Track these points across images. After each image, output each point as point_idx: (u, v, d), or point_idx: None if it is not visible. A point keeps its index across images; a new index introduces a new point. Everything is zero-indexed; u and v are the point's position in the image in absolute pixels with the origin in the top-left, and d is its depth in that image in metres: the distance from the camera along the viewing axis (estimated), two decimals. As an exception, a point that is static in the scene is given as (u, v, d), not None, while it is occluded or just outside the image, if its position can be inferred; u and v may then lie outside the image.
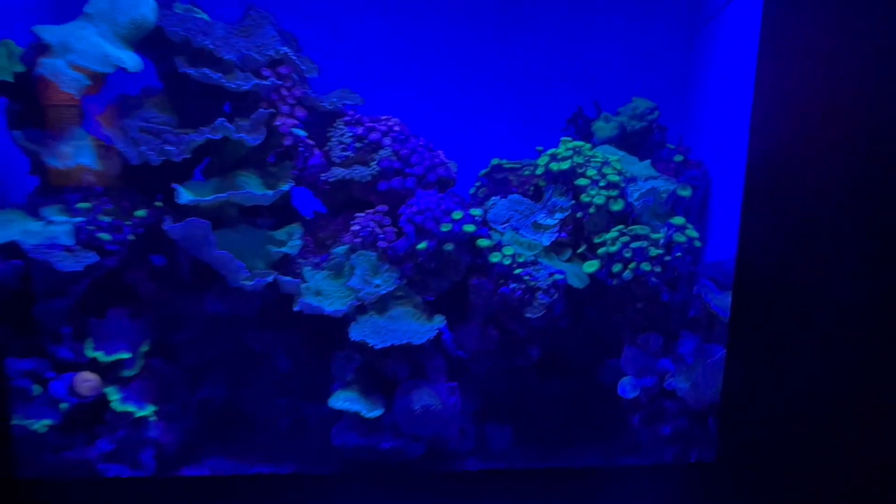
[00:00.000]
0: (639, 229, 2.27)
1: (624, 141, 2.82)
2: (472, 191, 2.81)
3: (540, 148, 2.75)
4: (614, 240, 2.26)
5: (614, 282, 2.27)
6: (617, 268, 2.25)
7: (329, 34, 3.12)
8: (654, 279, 2.25)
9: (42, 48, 2.16)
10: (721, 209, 2.66)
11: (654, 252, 2.25)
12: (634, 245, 2.24)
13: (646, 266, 2.23)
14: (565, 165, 2.42)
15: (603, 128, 2.85)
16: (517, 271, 2.31)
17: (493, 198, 2.59)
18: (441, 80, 3.33)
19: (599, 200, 2.32)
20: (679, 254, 2.29)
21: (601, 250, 2.29)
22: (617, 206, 2.32)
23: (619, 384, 2.32)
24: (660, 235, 2.28)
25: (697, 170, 2.74)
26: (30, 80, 2.17)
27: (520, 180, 2.69)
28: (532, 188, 2.69)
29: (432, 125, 2.75)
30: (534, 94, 3.36)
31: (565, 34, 3.25)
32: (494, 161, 2.82)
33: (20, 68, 2.16)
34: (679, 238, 2.27)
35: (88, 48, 2.19)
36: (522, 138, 3.45)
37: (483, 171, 2.84)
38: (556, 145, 2.96)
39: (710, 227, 2.70)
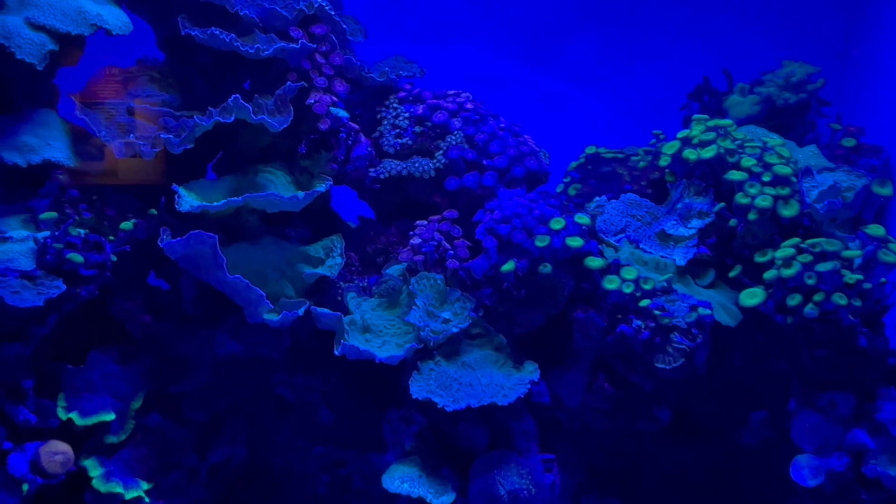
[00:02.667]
0: (826, 244, 1.57)
1: (771, 120, 2.11)
2: (559, 188, 2.16)
3: (659, 132, 2.09)
4: (789, 259, 1.57)
5: (788, 319, 1.58)
6: (794, 300, 1.56)
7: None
8: (849, 317, 1.54)
9: (-8, 1, 1.60)
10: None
11: (849, 278, 1.54)
12: (821, 268, 1.54)
13: (839, 298, 1.53)
14: (708, 153, 1.73)
15: (739, 103, 2.15)
16: (643, 303, 1.65)
17: (598, 198, 1.94)
18: (508, 42, 2.67)
19: (764, 203, 1.62)
20: (884, 280, 1.59)
21: (769, 274, 1.60)
22: (790, 211, 1.63)
23: (792, 464, 1.64)
24: (855, 253, 1.58)
25: (876, 157, 2.01)
26: (-23, 46, 1.61)
27: (632, 174, 2.01)
28: (647, 184, 2.01)
29: (498, 103, 2.12)
30: (632, 62, 2.69)
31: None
32: (590, 149, 2.19)
33: (-38, 29, 1.60)
34: (886, 257, 1.56)
35: (55, 1, 1.61)
36: (620, 119, 2.80)
37: (575, 163, 2.21)
38: (670, 128, 2.30)
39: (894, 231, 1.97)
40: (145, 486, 1.73)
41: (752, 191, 1.65)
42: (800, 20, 2.52)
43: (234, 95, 1.73)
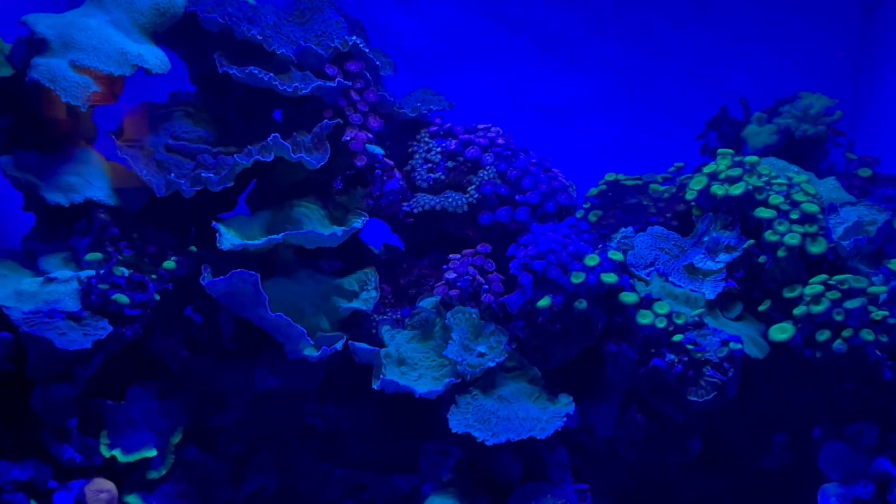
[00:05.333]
0: (853, 281, 1.62)
1: (788, 150, 2.16)
2: (579, 214, 2.17)
3: (680, 164, 2.12)
4: (818, 296, 1.62)
5: (817, 354, 1.63)
6: (823, 335, 1.61)
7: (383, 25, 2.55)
8: (876, 352, 1.60)
9: (36, 45, 1.61)
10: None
11: (876, 314, 1.60)
12: (849, 305, 1.60)
13: (867, 334, 1.59)
14: (737, 190, 1.78)
15: (758, 133, 2.19)
16: (676, 338, 1.69)
17: (625, 230, 1.97)
18: (530, 69, 2.70)
19: (793, 240, 1.67)
20: (908, 314, 1.64)
21: (798, 310, 1.65)
22: (818, 248, 1.68)
23: (820, 492, 1.69)
24: (881, 289, 1.63)
25: (892, 187, 2.07)
26: (21, 88, 1.62)
27: (657, 206, 2.05)
28: (672, 216, 2.05)
29: (514, 128, 2.15)
30: (649, 88, 2.73)
31: (692, 13, 2.60)
32: (610, 176, 2.20)
33: (6, 72, 1.62)
34: (911, 293, 1.62)
35: (98, 43, 1.63)
36: (635, 145, 2.84)
37: (594, 190, 2.21)
38: (689, 156, 2.35)
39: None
40: (186, 519, 1.75)
41: (781, 228, 1.70)
42: (813, 46, 2.57)
43: (273, 134, 1.75)
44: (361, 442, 2.00)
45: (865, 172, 2.10)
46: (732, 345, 1.68)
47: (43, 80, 1.54)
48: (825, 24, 2.59)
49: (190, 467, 1.82)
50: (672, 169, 2.15)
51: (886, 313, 1.62)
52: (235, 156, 1.74)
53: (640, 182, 2.17)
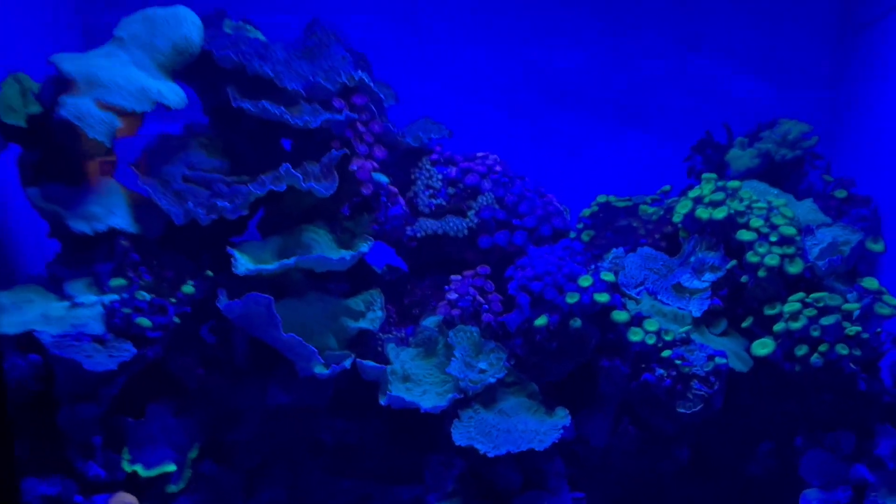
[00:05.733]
0: (828, 299, 1.74)
1: (769, 173, 2.29)
2: (572, 235, 2.29)
3: (667, 188, 2.24)
4: (796, 314, 1.74)
5: (796, 367, 1.75)
6: (801, 350, 1.73)
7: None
8: (850, 365, 1.72)
9: (63, 83, 1.71)
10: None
11: (850, 330, 1.71)
12: (825, 321, 1.72)
13: (841, 349, 1.70)
14: (720, 214, 1.90)
15: (740, 157, 2.32)
16: (665, 353, 1.80)
17: (616, 250, 2.09)
18: (520, 97, 2.83)
19: (773, 261, 1.79)
20: (879, 329, 1.76)
21: (778, 326, 1.76)
22: (795, 269, 1.80)
23: (801, 498, 1.80)
24: (854, 306, 1.75)
25: (866, 208, 2.20)
26: (48, 124, 1.72)
27: (646, 228, 2.17)
28: (661, 237, 2.17)
29: (505, 150, 2.27)
30: (640, 114, 2.85)
31: (680, 37, 2.73)
32: (601, 198, 2.31)
33: (36, 109, 1.71)
34: (882, 310, 1.74)
35: (121, 81, 1.74)
36: (627, 166, 2.95)
37: (587, 210, 2.33)
38: (676, 179, 2.47)
39: (884, 282, 2.15)
40: (203, 531, 1.84)
41: (762, 250, 1.82)
42: (794, 72, 2.70)
43: (285, 165, 1.85)
44: (368, 455, 2.10)
45: (841, 194, 2.23)
46: (718, 359, 1.80)
47: (71, 117, 1.64)
48: (805, 50, 2.73)
49: (205, 480, 1.91)
50: (660, 191, 2.28)
51: (859, 329, 1.74)
52: (250, 185, 1.84)
53: (630, 203, 2.29)
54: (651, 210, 2.17)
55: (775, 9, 2.64)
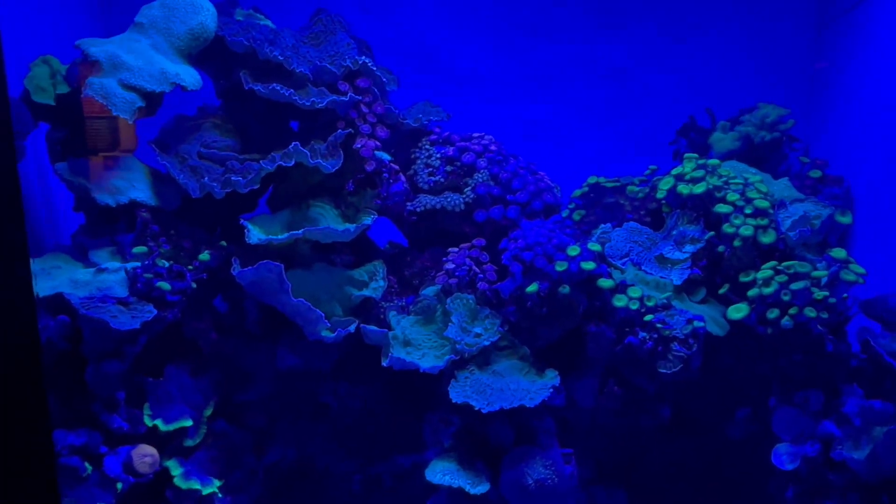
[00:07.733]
0: (798, 266, 1.88)
1: (749, 154, 2.42)
2: (565, 213, 2.43)
3: (653, 167, 2.38)
4: (768, 279, 1.88)
5: (769, 330, 1.88)
6: (773, 314, 1.87)
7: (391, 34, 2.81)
8: (818, 327, 1.85)
9: (89, 65, 1.85)
10: (869, 232, 2.26)
11: (818, 294, 1.85)
12: (794, 286, 1.85)
13: (809, 312, 1.84)
14: (699, 189, 2.03)
15: (722, 139, 2.46)
16: (647, 318, 1.94)
17: (604, 226, 2.22)
18: (517, 85, 2.97)
19: (747, 231, 1.93)
20: (846, 295, 1.90)
21: (751, 292, 1.90)
22: (768, 238, 1.94)
23: (773, 451, 1.93)
24: (822, 273, 1.89)
25: (838, 187, 2.34)
26: (75, 103, 1.86)
27: (632, 204, 2.31)
28: (646, 213, 2.31)
29: (505, 137, 2.40)
30: (628, 101, 2.99)
31: (665, 28, 2.87)
32: (592, 179, 2.45)
33: (64, 89, 1.85)
34: (847, 276, 1.87)
35: (143, 64, 1.87)
36: (616, 151, 3.09)
37: (578, 191, 2.47)
38: (662, 160, 2.61)
39: (855, 254, 2.29)
40: (217, 483, 1.97)
41: (737, 221, 1.96)
42: (773, 59, 2.84)
43: (294, 143, 1.99)
44: (371, 416, 2.24)
45: (816, 174, 2.36)
46: (696, 323, 1.93)
47: (97, 96, 1.78)
48: (785, 38, 2.87)
49: (219, 437, 2.05)
50: (647, 172, 2.41)
51: (827, 294, 1.88)
52: (261, 161, 1.98)
53: (618, 184, 2.43)
54: (637, 189, 2.31)
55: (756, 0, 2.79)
